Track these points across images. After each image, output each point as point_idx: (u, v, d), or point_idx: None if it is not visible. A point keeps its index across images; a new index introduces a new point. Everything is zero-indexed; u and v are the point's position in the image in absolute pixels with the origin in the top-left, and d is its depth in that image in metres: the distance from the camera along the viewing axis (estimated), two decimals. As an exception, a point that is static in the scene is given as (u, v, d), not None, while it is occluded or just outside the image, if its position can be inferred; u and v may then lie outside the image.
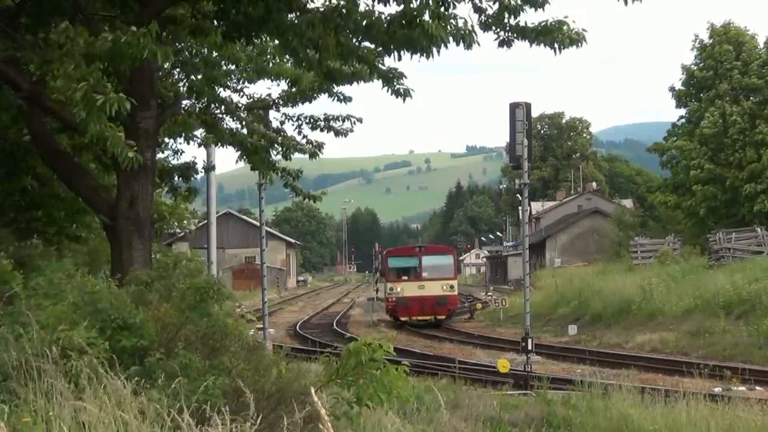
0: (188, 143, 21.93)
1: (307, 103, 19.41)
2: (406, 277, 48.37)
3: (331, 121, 19.63)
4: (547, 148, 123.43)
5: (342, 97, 18.84)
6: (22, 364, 7.83)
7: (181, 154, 22.98)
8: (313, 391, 3.72)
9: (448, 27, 13.09)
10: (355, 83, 16.65)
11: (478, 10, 13.59)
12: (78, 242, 25.60)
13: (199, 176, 23.52)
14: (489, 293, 63.19)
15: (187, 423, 6.66)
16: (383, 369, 8.55)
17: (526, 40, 13.77)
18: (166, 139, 22.16)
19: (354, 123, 19.51)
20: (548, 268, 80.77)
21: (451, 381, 21.36)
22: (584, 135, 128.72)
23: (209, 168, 23.81)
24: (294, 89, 19.24)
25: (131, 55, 11.48)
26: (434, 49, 13.29)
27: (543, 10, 13.57)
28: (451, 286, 48.14)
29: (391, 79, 14.90)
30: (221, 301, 9.86)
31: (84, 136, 11.46)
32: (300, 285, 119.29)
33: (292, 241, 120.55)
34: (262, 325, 25.48)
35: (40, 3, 14.02)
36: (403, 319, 47.25)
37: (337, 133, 19.67)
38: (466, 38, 13.26)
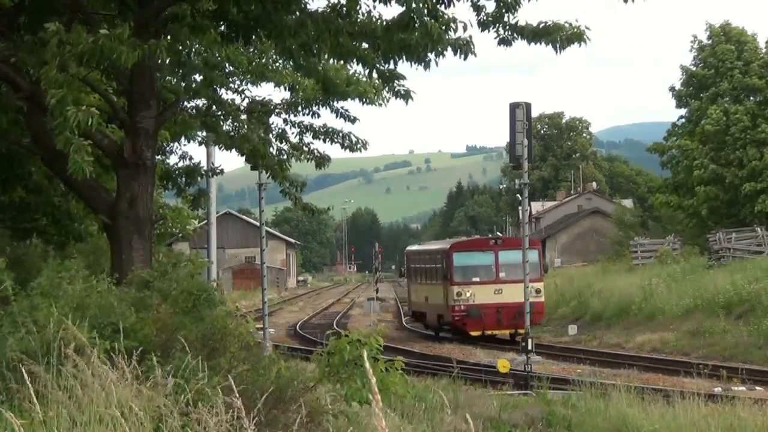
0: (189, 142, 21.91)
1: (310, 115, 19.28)
2: (477, 279, 37.53)
3: (333, 135, 19.44)
4: (547, 148, 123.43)
5: (348, 117, 18.78)
6: (21, 365, 7.83)
7: (190, 159, 22.85)
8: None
9: (449, 33, 13.10)
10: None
11: (476, 8, 13.60)
12: (82, 240, 25.53)
13: (203, 179, 23.50)
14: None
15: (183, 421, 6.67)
16: (373, 366, 8.52)
17: (525, 40, 13.79)
18: (171, 143, 22.15)
19: (357, 143, 19.34)
20: (548, 268, 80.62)
21: (451, 381, 21.37)
22: (584, 135, 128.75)
23: (215, 171, 23.74)
24: (294, 96, 19.17)
25: (112, 56, 11.60)
26: (432, 57, 13.31)
27: None
28: (538, 290, 36.51)
29: (390, 79, 14.91)
30: (213, 306, 9.87)
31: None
32: (300, 285, 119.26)
33: (292, 241, 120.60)
34: (262, 325, 25.48)
35: (39, 3, 14.02)
36: (474, 333, 36.61)
37: (343, 146, 19.53)
38: (463, 48, 13.28)
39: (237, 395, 6.43)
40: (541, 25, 13.69)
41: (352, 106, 18.82)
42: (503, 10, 13.57)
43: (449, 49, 13.23)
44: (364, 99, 17.29)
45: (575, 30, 13.64)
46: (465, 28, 13.17)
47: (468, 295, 36.83)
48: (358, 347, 8.42)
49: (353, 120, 18.95)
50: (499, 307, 36.26)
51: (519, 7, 13.52)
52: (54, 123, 11.49)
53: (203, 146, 23.32)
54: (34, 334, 8.34)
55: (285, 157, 19.88)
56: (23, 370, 7.71)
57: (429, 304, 41.10)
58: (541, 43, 13.74)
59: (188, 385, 7.75)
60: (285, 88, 19.18)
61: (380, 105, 16.88)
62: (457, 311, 36.77)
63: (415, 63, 13.42)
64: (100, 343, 8.08)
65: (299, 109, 19.26)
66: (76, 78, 11.77)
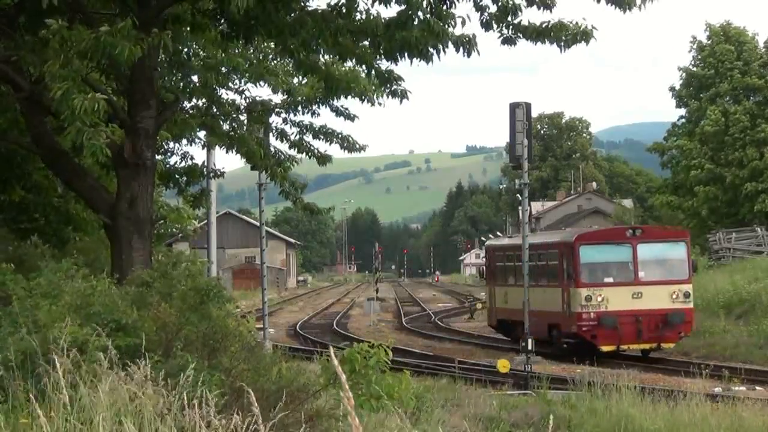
0: (191, 145, 21.88)
1: (310, 114, 19.28)
2: (611, 280, 29.64)
3: (333, 136, 19.40)
4: (547, 148, 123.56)
5: (347, 114, 18.75)
6: (20, 364, 7.83)
7: (191, 159, 22.79)
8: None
9: (450, 28, 13.12)
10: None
11: (479, 8, 13.61)
12: (85, 232, 25.43)
13: (203, 179, 23.48)
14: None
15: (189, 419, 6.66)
16: (380, 375, 8.55)
17: (530, 39, 13.81)
18: (172, 144, 22.12)
19: (356, 144, 19.30)
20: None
21: (451, 381, 21.37)
22: (584, 135, 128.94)
23: (216, 174, 23.70)
24: (291, 98, 19.18)
25: (114, 51, 11.58)
26: (433, 53, 13.33)
27: (551, 11, 13.60)
28: (686, 294, 29.43)
29: (388, 79, 14.94)
30: (222, 303, 9.86)
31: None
32: (300, 285, 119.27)
33: (292, 241, 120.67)
34: (262, 325, 25.49)
35: (39, 2, 14.02)
36: (606, 349, 28.71)
37: (343, 146, 19.52)
38: (466, 45, 13.30)
39: (243, 395, 6.43)
40: (544, 25, 13.70)
41: (350, 104, 18.94)
42: (505, 12, 13.59)
43: (451, 45, 13.25)
44: (364, 97, 17.29)
45: (581, 29, 13.66)
46: (464, 23, 13.20)
47: (600, 299, 29.02)
48: (367, 358, 8.43)
49: (353, 118, 18.93)
50: (638, 315, 28.84)
51: (520, 12, 13.56)
52: (61, 117, 11.43)
53: (205, 149, 23.24)
54: (34, 334, 8.34)
55: (284, 156, 19.85)
56: (23, 370, 7.71)
57: (531, 312, 30.23)
58: (545, 42, 13.76)
59: (189, 384, 7.74)
60: (281, 92, 19.21)
61: (380, 105, 16.89)
62: (585, 320, 28.60)
63: (416, 58, 13.43)
64: (100, 341, 8.08)
65: (299, 108, 19.25)
66: (79, 74, 11.76)
